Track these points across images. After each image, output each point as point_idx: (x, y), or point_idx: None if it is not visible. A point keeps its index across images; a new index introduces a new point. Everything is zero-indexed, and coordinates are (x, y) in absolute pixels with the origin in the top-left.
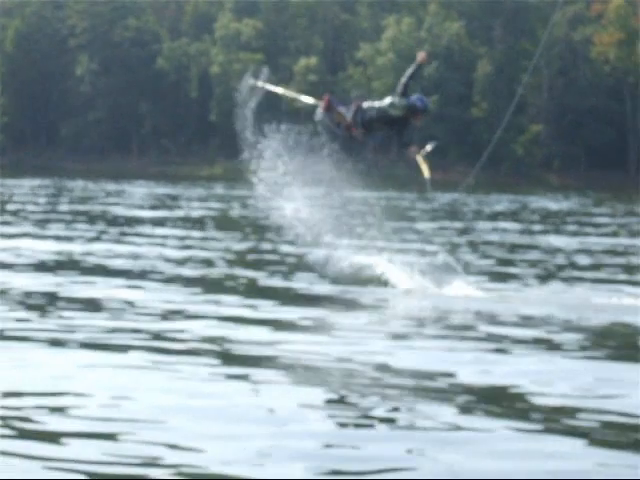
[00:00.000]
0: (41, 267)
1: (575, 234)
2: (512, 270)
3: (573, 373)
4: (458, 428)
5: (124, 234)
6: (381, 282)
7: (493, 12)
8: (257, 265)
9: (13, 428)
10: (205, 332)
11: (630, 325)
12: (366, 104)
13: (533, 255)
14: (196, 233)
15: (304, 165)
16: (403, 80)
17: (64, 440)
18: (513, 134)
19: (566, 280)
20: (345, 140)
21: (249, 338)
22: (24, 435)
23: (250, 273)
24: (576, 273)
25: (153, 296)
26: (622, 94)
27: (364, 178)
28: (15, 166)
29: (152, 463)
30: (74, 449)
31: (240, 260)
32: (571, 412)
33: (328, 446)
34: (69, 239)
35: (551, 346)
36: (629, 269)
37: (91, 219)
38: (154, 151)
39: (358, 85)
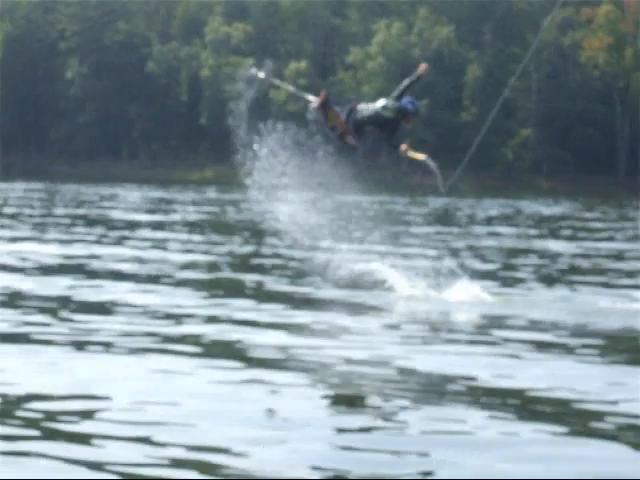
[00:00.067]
0: (48, 271)
1: (571, 239)
2: (515, 275)
3: (589, 377)
4: (481, 432)
5: (125, 238)
6: (386, 287)
7: (483, 17)
8: (262, 269)
9: (41, 430)
10: (220, 336)
11: (639, 330)
12: (361, 106)
13: (533, 260)
14: (196, 237)
15: (299, 167)
16: (400, 87)
17: (92, 442)
18: (502, 138)
19: (570, 284)
20: (338, 145)
21: (264, 342)
22: (52, 437)
23: (256, 277)
24: (579, 278)
25: (164, 300)
26: (611, 98)
27: (357, 182)
28: (5, 170)
29: (177, 465)
30: (102, 451)
31: (244, 264)
32: (593, 415)
33: (349, 450)
34: (71, 243)
35: (563, 350)
36: (632, 274)
37: (89, 223)
38: (144, 155)
39: (348, 89)
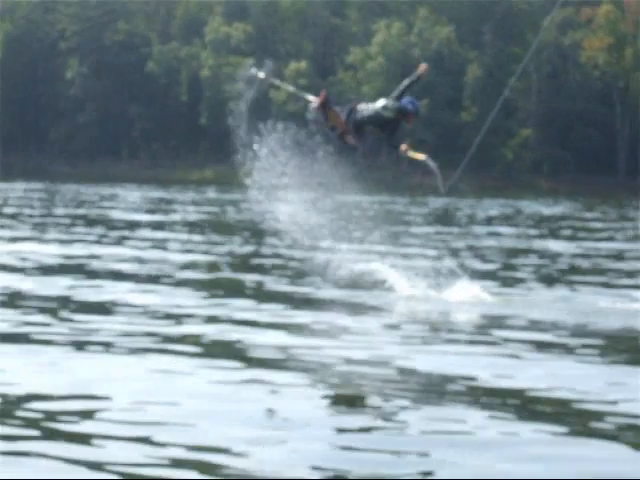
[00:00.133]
0: (48, 271)
1: (571, 239)
2: (515, 274)
3: (589, 377)
4: (481, 432)
5: (125, 238)
6: (386, 287)
7: (483, 17)
8: (262, 269)
9: (41, 430)
10: (220, 336)
11: (638, 330)
12: (361, 106)
13: (533, 259)
14: (196, 237)
15: (299, 167)
16: (400, 87)
17: (92, 442)
18: (502, 138)
19: (570, 284)
20: (338, 145)
21: (264, 342)
22: (52, 437)
23: (256, 277)
24: (579, 277)
25: (164, 300)
26: (611, 99)
27: (357, 182)
28: (5, 170)
29: (177, 465)
30: (102, 451)
31: (244, 264)
32: (593, 415)
33: (349, 450)
34: (71, 243)
35: (563, 350)
36: (632, 274)
37: (89, 223)
38: (144, 155)
39: (348, 89)
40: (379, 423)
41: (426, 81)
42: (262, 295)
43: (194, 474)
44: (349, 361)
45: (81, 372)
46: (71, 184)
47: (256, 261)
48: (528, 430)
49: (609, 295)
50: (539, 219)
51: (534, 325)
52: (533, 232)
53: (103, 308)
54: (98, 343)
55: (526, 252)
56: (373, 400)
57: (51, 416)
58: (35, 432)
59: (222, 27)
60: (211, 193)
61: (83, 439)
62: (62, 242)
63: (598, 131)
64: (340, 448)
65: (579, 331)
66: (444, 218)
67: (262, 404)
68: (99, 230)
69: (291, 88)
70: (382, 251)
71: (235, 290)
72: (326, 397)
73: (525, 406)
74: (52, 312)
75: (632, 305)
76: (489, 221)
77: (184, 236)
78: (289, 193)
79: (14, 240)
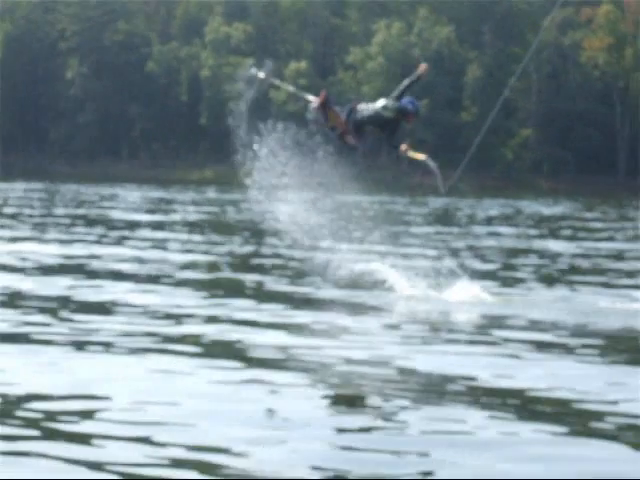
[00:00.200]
0: (48, 271)
1: (571, 239)
2: (515, 274)
3: (589, 377)
4: (481, 432)
5: (125, 238)
6: (386, 287)
7: (483, 17)
8: (262, 269)
9: (41, 430)
10: (220, 336)
11: (638, 330)
12: (361, 106)
13: (533, 259)
14: (196, 237)
15: (299, 167)
16: (400, 87)
17: (92, 442)
18: (502, 138)
19: (570, 284)
20: (338, 145)
21: (264, 342)
22: (52, 437)
23: (256, 277)
24: (579, 277)
25: (164, 300)
26: (611, 99)
27: (357, 182)
28: (5, 170)
29: (177, 465)
30: (102, 451)
31: (244, 264)
32: (593, 415)
33: (349, 450)
34: (71, 243)
35: (563, 350)
36: (631, 274)
37: (89, 223)
38: (144, 155)
39: (348, 89)
40: (379, 423)
41: (426, 81)
42: (262, 295)
43: (194, 474)
44: (349, 361)
45: (81, 372)
46: (71, 184)
47: (256, 261)
48: (528, 430)
49: (609, 295)
50: (539, 219)
51: (534, 325)
52: (533, 232)
53: (103, 308)
54: (98, 343)
55: (526, 252)
56: (373, 400)
57: (51, 416)
58: (35, 432)
59: (222, 27)
60: (211, 193)
61: (83, 439)
62: (62, 242)
63: (598, 131)
64: (340, 448)
65: (579, 331)
66: (444, 218)
67: (262, 404)
68: (99, 230)
69: (291, 88)
70: (382, 251)
71: (235, 290)
72: (326, 397)
73: (525, 406)
74: (52, 312)
75: (632, 305)
76: (489, 221)
77: (184, 236)
78: (289, 193)
79: (14, 240)
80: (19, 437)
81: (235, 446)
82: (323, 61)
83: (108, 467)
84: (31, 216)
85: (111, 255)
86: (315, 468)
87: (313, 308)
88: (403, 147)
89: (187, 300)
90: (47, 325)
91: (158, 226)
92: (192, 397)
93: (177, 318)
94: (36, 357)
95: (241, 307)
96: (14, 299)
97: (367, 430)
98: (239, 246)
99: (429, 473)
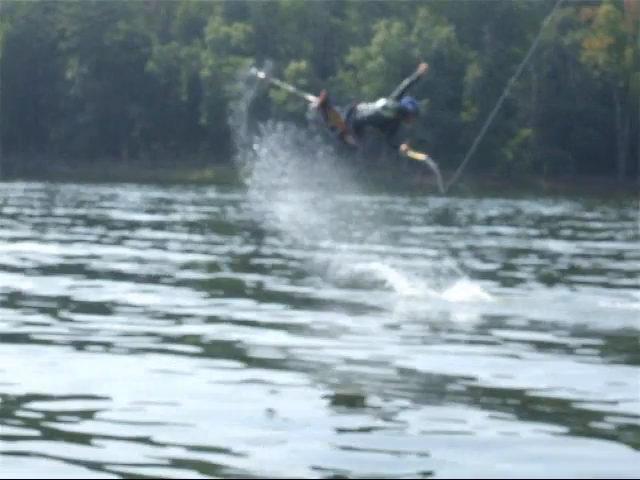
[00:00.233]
0: (48, 271)
1: (571, 239)
2: (515, 274)
3: (589, 377)
4: (481, 432)
5: (125, 238)
6: (386, 287)
7: (483, 17)
8: (262, 269)
9: (41, 430)
10: (220, 336)
11: (638, 330)
12: (361, 106)
13: (533, 259)
14: (196, 237)
15: (299, 167)
16: (400, 87)
17: (92, 442)
18: (502, 138)
19: (569, 284)
20: (338, 145)
21: (264, 342)
22: (52, 437)
23: (256, 277)
24: (579, 277)
25: (164, 300)
26: (611, 99)
27: (357, 182)
28: (5, 170)
29: (177, 465)
30: (102, 451)
31: (244, 264)
32: (593, 415)
33: (349, 450)
34: (71, 243)
35: (563, 350)
36: (631, 274)
37: (90, 223)
38: (144, 155)
39: (348, 89)
40: (379, 423)
41: (426, 81)
42: (262, 295)
43: (194, 474)
44: (349, 361)
45: (81, 372)
46: (71, 184)
47: (256, 261)
48: (528, 430)
49: (609, 295)
50: (539, 219)
51: (534, 325)
52: (533, 232)
53: (103, 308)
54: (98, 343)
55: (526, 252)
56: (373, 400)
57: (51, 416)
58: (35, 432)
59: (222, 27)
60: (211, 193)
61: (83, 439)
62: (62, 242)
63: (598, 131)
64: (340, 448)
65: (579, 331)
66: (444, 218)
67: (262, 404)
68: (99, 230)
69: (291, 88)
70: (382, 251)
71: (235, 290)
72: (326, 397)
73: (525, 406)
74: (52, 312)
75: (632, 305)
76: (489, 221)
77: (184, 236)
78: (289, 193)
79: (14, 240)
80: (19, 437)
81: (235, 446)
82: (323, 61)
83: (108, 467)
84: (31, 216)
85: (111, 255)
86: (315, 468)
87: (313, 308)
88: (403, 147)
89: (187, 300)
90: (47, 325)
91: (158, 226)
92: (192, 397)
93: (177, 318)
94: (36, 357)
95: (241, 307)
96: (14, 299)
97: (367, 430)
98: (239, 246)
99: (429, 473)
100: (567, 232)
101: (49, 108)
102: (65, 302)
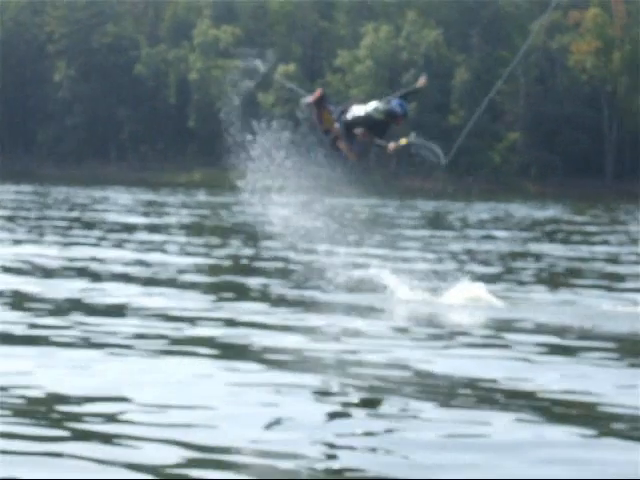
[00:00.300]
0: (52, 274)
1: (566, 242)
2: (516, 277)
3: (603, 380)
4: (508, 434)
5: (124, 240)
6: (391, 290)
7: (470, 20)
8: (264, 272)
9: (70, 431)
10: (234, 339)
11: None
12: (354, 106)
13: (531, 263)
14: (194, 240)
15: (293, 169)
16: (397, 94)
17: (121, 442)
18: (490, 142)
19: (571, 287)
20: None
21: (279, 344)
22: (81, 438)
23: (260, 280)
24: (578, 281)
25: (173, 303)
26: (599, 102)
27: (349, 185)
28: None
29: (198, 465)
30: (133, 451)
31: (246, 267)
32: (614, 418)
33: (373, 451)
34: (71, 246)
35: (573, 353)
36: (630, 277)
37: (86, 225)
38: (132, 157)
39: (336, 92)
40: (401, 425)
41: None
42: (269, 298)
43: (215, 474)
44: (365, 364)
45: (102, 374)
46: (61, 186)
47: (257, 264)
48: (553, 433)
49: (610, 298)
50: (531, 222)
51: (541, 328)
52: (527, 235)
53: (114, 311)
54: (115, 345)
55: (524, 255)
56: (393, 402)
57: (77, 417)
58: (64, 433)
59: (210, 30)
60: (201, 196)
61: (109, 439)
62: (63, 245)
63: (586, 135)
64: (366, 450)
65: (586, 334)
66: (436, 221)
67: (281, 407)
68: (97, 233)
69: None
70: (381, 255)
71: (241, 293)
72: (346, 400)
73: (547, 409)
74: (63, 315)
75: (635, 308)
76: (482, 224)
77: (182, 239)
78: (282, 196)
79: (14, 243)
80: (48, 438)
81: (256, 446)
82: (312, 64)
83: (138, 467)
84: (27, 219)
85: (113, 258)
86: (336, 471)
87: (322, 311)
88: (391, 146)
89: (195, 303)
90: (61, 328)
91: (154, 229)
92: (213, 399)
93: (189, 321)
94: (55, 360)
95: (251, 310)
96: (23, 302)
97: (390, 432)
98: (237, 249)
99: (441, 475)
100: (561, 235)
101: (37, 110)
102: (75, 305)
